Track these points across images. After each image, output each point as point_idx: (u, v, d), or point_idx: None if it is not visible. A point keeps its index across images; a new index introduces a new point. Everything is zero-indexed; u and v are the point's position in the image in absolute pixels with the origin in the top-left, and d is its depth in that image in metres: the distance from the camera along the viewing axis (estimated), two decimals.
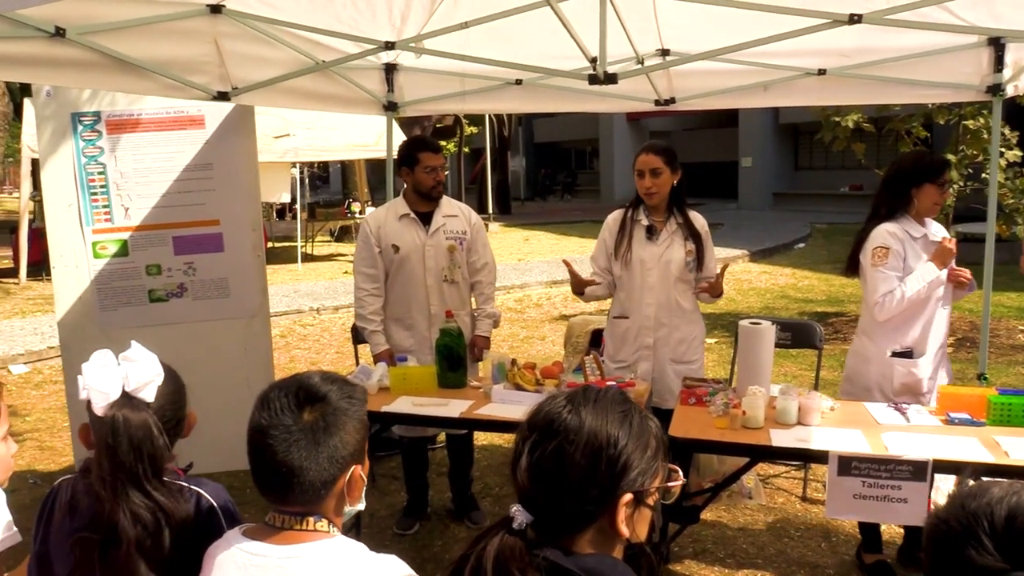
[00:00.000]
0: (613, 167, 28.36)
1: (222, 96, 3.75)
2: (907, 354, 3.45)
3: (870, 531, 3.54)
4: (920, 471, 2.70)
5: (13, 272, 12.86)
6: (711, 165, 27.43)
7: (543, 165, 34.25)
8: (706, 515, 3.98)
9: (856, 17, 2.93)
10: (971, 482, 1.16)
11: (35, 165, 10.04)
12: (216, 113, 4.07)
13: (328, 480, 1.45)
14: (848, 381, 3.64)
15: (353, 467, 1.49)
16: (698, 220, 3.73)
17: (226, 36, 3.59)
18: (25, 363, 7.84)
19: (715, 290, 3.67)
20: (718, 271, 3.70)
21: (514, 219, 23.66)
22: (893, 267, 3.38)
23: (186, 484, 1.67)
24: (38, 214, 12.23)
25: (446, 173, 3.93)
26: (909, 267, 3.38)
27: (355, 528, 3.63)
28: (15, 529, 1.88)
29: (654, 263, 3.65)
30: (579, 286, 3.73)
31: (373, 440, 3.90)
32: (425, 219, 3.93)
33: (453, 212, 4.01)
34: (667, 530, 3.01)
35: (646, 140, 28.37)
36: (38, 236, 11.58)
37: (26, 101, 10.44)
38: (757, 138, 23.96)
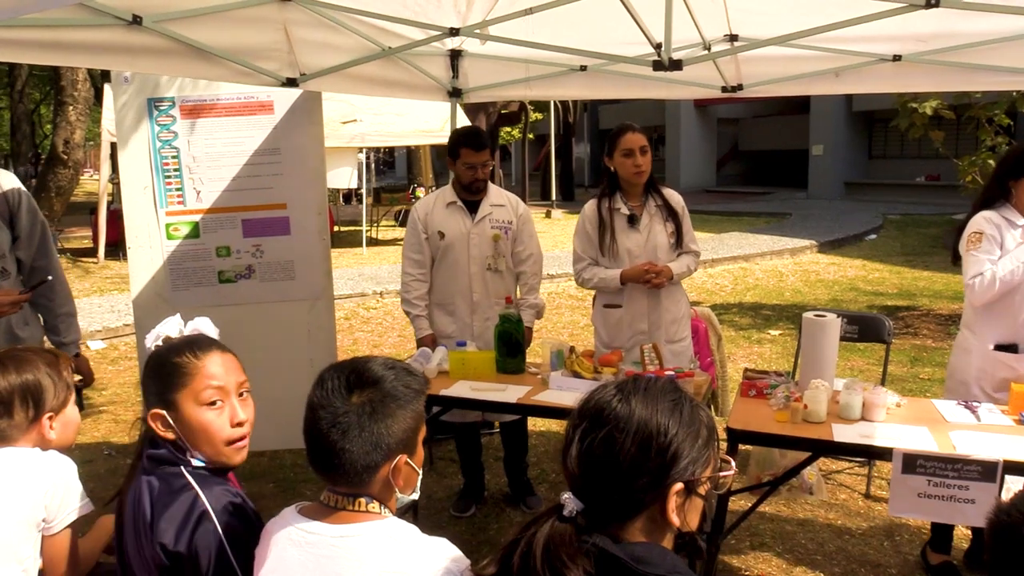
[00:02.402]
0: (679, 154, 27.97)
1: (291, 82, 3.82)
2: (1012, 348, 3.30)
3: (942, 530, 3.45)
4: (990, 472, 2.62)
5: (92, 252, 13.36)
6: (780, 153, 26.87)
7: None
8: (765, 509, 3.94)
9: (934, 1, 2.83)
10: None
11: (114, 148, 10.40)
12: (285, 99, 4.15)
13: (370, 465, 1.46)
14: (949, 377, 3.52)
15: (400, 456, 1.49)
16: (674, 197, 3.82)
17: (295, 23, 3.65)
18: (102, 339, 8.16)
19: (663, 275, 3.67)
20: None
21: (577, 206, 23.46)
22: (986, 250, 3.26)
23: (191, 482, 1.68)
24: (116, 196, 12.66)
25: (489, 169, 3.92)
26: (1009, 252, 3.24)
27: (412, 510, 3.69)
28: (88, 499, 1.97)
29: (640, 251, 3.70)
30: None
31: (431, 423, 3.96)
32: (472, 207, 3.96)
33: (500, 202, 4.03)
34: (723, 522, 2.98)
35: (713, 127, 28.22)
36: (116, 217, 12.00)
37: (106, 86, 10.80)
38: (829, 126, 23.35)
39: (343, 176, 13.72)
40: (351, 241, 15.15)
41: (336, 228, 16.44)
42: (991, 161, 7.53)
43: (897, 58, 4.02)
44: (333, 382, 1.49)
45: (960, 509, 2.67)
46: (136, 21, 2.99)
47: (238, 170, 4.15)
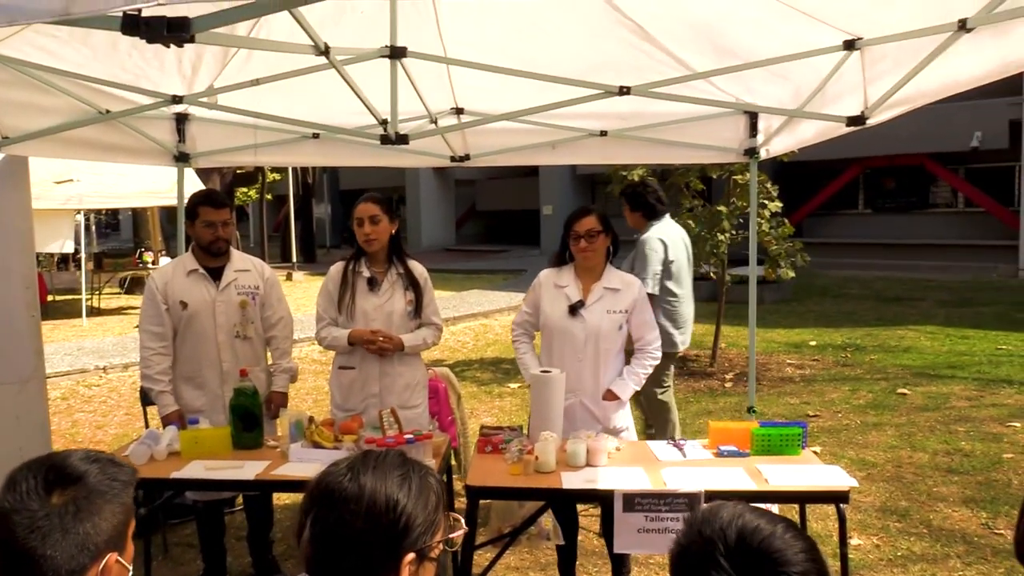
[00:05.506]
0: (420, 215, 28.66)
1: None
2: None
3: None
4: (695, 502, 2.94)
5: None
6: (514, 213, 28.39)
7: (350, 212, 33.96)
8: (509, 559, 4.09)
9: (625, 89, 3.22)
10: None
11: None
12: None
13: (75, 569, 1.36)
14: None
15: (108, 555, 1.41)
16: (417, 268, 3.92)
17: None
18: None
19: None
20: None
21: (320, 267, 23.19)
22: (528, 303, 3.87)
23: None
24: None
25: (230, 229, 3.85)
26: (543, 310, 3.77)
27: None
28: None
29: (377, 314, 3.78)
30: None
31: (165, 507, 3.72)
32: (215, 274, 3.85)
33: (245, 267, 3.95)
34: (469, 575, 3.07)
35: (452, 188, 29.23)
36: None
37: None
38: (557, 187, 25.08)
39: (57, 240, 12.54)
40: (68, 311, 13.82)
41: (50, 298, 14.93)
42: (691, 221, 8.49)
43: (604, 133, 4.48)
44: (28, 483, 1.37)
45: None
46: None
47: None
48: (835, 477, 3.10)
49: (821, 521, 4.45)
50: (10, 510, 1.35)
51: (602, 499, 3.22)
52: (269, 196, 25.01)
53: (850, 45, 3.12)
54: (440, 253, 25.87)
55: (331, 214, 33.06)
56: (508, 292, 15.60)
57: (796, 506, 3.71)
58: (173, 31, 1.64)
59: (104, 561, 1.40)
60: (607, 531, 3.78)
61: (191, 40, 1.69)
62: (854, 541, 4.29)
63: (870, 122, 3.45)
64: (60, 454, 1.45)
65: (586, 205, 3.87)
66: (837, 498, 3.03)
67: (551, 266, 3.85)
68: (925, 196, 20.48)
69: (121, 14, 1.59)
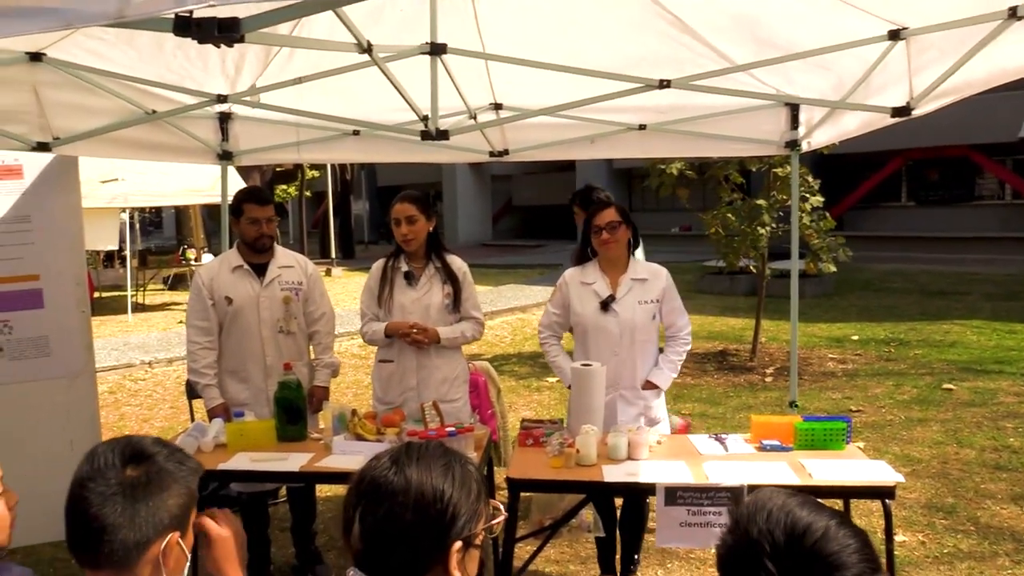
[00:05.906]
0: (456, 210, 28.77)
1: (42, 147, 3.60)
2: None
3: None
4: (737, 497, 2.93)
5: None
6: (550, 208, 28.28)
7: (387, 208, 34.12)
8: (549, 551, 4.11)
9: (665, 83, 3.21)
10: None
11: None
12: (35, 163, 3.89)
13: (141, 542, 1.42)
14: None
15: (172, 534, 1.46)
16: (455, 263, 3.91)
17: (46, 85, 3.46)
18: None
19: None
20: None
21: (358, 263, 23.43)
22: (555, 303, 3.85)
23: None
24: None
25: (274, 225, 3.92)
26: (574, 309, 3.74)
27: None
28: None
29: (414, 307, 3.80)
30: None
31: (210, 498, 3.78)
32: (259, 270, 3.91)
33: (289, 263, 4.01)
34: (510, 568, 3.09)
35: (488, 184, 29.28)
36: None
37: None
38: (593, 182, 24.95)
39: (103, 237, 12.81)
40: (115, 308, 14.11)
41: (97, 294, 15.25)
42: (730, 215, 8.42)
43: (643, 127, 4.46)
44: (106, 457, 1.45)
45: (717, 535, 2.95)
46: None
47: None
48: (881, 472, 3.07)
49: (865, 517, 4.39)
50: (87, 478, 1.43)
51: (627, 493, 3.22)
52: (308, 193, 25.31)
53: (895, 35, 3.07)
54: (477, 248, 25.94)
55: (369, 210, 33.31)
56: (545, 286, 15.57)
57: (840, 501, 3.67)
58: (224, 31, 1.68)
59: (167, 539, 1.45)
60: (624, 523, 3.80)
61: (241, 40, 1.73)
62: (899, 538, 4.24)
63: (916, 113, 3.39)
64: (136, 436, 1.53)
65: (597, 192, 3.83)
66: (883, 494, 2.99)
67: (573, 264, 3.83)
68: (971, 188, 20.05)
69: (173, 16, 1.63)
